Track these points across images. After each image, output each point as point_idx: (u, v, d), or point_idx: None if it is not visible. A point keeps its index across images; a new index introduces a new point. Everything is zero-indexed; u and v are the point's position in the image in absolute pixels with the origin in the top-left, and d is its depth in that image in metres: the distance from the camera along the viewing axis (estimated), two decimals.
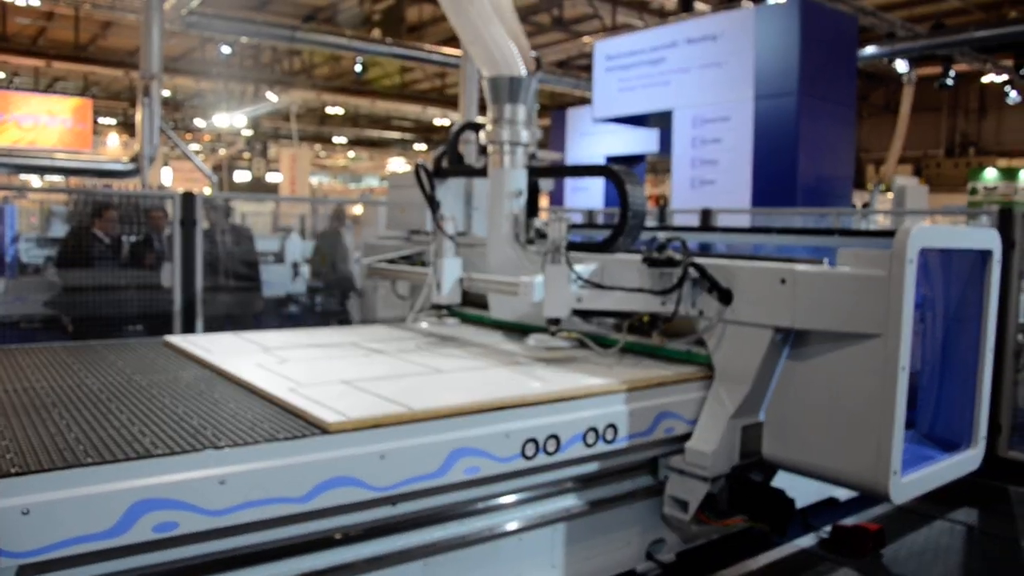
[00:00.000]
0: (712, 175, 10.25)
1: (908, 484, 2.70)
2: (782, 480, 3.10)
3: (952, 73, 16.94)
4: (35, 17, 19.18)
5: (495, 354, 3.35)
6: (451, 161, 4.17)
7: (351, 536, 2.38)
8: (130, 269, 6.89)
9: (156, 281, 6.43)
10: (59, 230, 10.53)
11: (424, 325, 4.07)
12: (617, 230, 3.49)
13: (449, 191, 4.11)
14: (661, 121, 11.76)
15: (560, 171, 4.05)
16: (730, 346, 2.99)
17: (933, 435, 3.18)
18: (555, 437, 2.57)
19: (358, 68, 17.77)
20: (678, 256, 3.09)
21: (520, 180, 3.82)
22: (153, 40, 11.58)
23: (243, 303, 7.27)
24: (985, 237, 3.01)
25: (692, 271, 3.03)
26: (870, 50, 15.19)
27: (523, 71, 3.76)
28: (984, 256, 3.02)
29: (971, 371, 3.08)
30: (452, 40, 16.21)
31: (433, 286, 3.82)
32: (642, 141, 14.10)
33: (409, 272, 4.21)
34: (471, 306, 4.16)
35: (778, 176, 9.52)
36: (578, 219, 8.08)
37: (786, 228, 4.99)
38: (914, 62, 16.76)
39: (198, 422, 2.25)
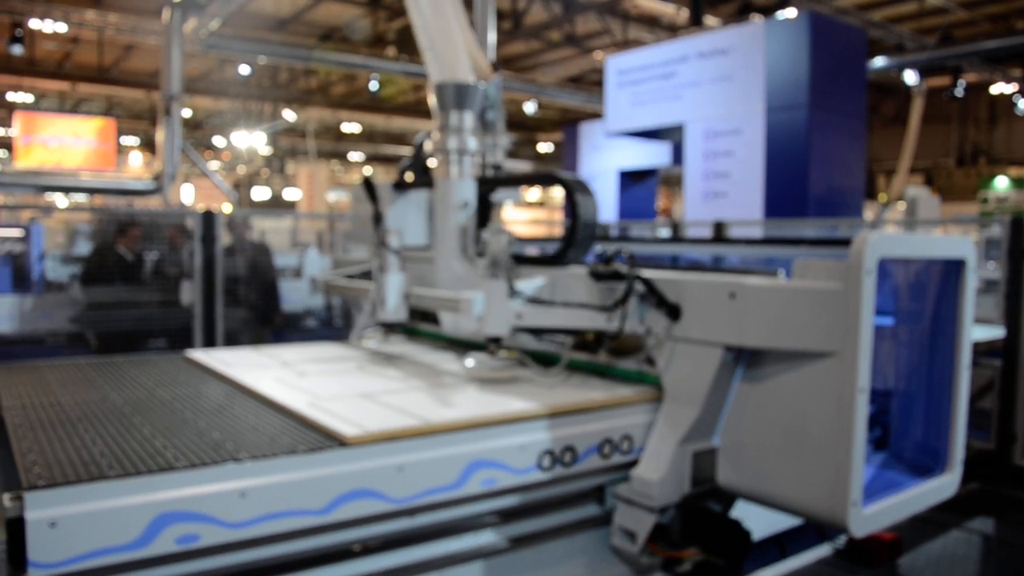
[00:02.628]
0: (724, 187, 10.28)
1: (870, 516, 2.50)
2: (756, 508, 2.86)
3: (962, 84, 16.92)
4: (61, 42, 19.52)
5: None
6: (416, 173, 3.99)
7: (370, 548, 2.40)
8: (152, 286, 6.98)
9: (176, 297, 6.53)
10: (83, 248, 10.68)
11: (369, 344, 3.94)
12: (567, 242, 3.30)
13: (411, 204, 3.87)
14: (673, 134, 11.81)
15: (509, 180, 3.92)
16: (679, 366, 2.79)
17: (906, 459, 2.99)
18: (571, 449, 2.59)
19: (373, 86, 17.93)
20: (624, 269, 2.92)
21: (467, 191, 3.64)
22: (174, 62, 11.77)
23: (262, 318, 7.35)
24: (957, 245, 2.81)
25: (639, 285, 2.87)
26: (880, 62, 15.23)
27: (471, 77, 3.63)
28: (957, 266, 2.83)
29: (946, 390, 2.89)
30: None
31: (377, 303, 3.64)
32: (654, 154, 14.15)
33: (364, 288, 3.97)
34: (431, 322, 3.99)
35: (790, 188, 9.55)
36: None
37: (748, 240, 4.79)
38: (923, 73, 16.74)
39: (219, 435, 2.28)
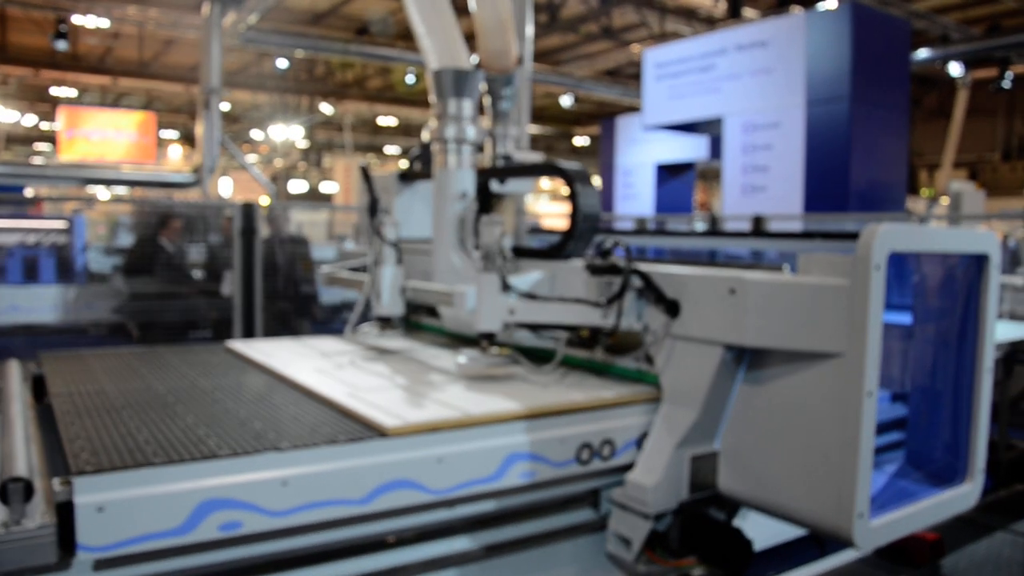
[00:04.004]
0: (763, 181, 10.16)
1: (878, 529, 2.33)
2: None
3: (1009, 75, 16.49)
4: (103, 37, 19.85)
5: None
6: (424, 164, 3.88)
7: (409, 538, 2.41)
8: (193, 277, 7.07)
9: (217, 288, 6.61)
10: (125, 239, 10.86)
11: (362, 338, 3.83)
12: (567, 235, 3.17)
13: (417, 195, 3.82)
14: (711, 128, 11.70)
15: (509, 171, 3.80)
16: (678, 365, 2.65)
17: (924, 466, 2.81)
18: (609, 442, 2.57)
19: (410, 79, 17.98)
20: (622, 263, 2.78)
21: (465, 181, 3.48)
22: (213, 56, 11.91)
23: (301, 309, 7.42)
24: (979, 240, 2.61)
25: (636, 280, 2.73)
26: (923, 53, 14.91)
27: (469, 63, 3.51)
28: (980, 261, 2.63)
29: (966, 393, 2.69)
30: None
31: (373, 297, 3.54)
32: (692, 148, 14.05)
33: (359, 281, 3.87)
34: (434, 316, 3.90)
35: (830, 182, 9.41)
36: (629, 226, 8.05)
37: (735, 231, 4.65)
38: (969, 65, 16.36)
39: (260, 425, 2.30)
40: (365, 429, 2.27)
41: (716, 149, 12.36)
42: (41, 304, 8.15)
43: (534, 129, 27.60)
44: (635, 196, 15.48)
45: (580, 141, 32.38)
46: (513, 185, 3.80)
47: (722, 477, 2.63)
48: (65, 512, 1.79)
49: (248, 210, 6.01)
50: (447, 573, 2.46)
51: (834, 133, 9.31)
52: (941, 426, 2.79)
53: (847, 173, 9.21)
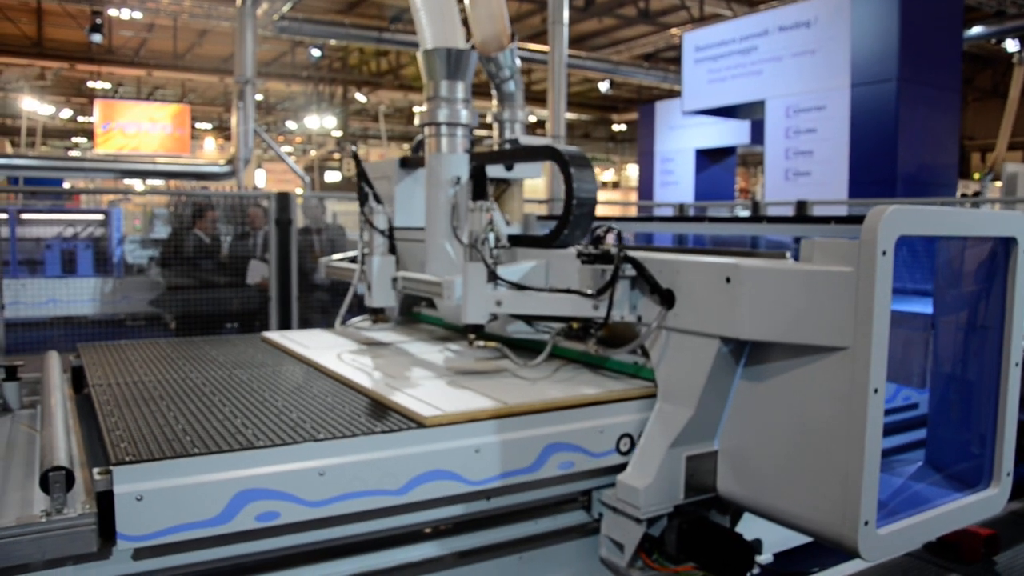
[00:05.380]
0: (807, 166, 9.98)
1: (887, 538, 2.14)
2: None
3: None
4: (137, 29, 20.09)
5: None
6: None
7: (446, 529, 2.39)
8: (229, 268, 7.12)
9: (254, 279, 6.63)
10: (161, 231, 10.99)
11: (353, 331, 3.71)
12: (561, 221, 3.01)
13: (419, 183, 3.68)
14: (753, 112, 11.53)
15: (504, 155, 3.65)
16: (672, 359, 2.50)
17: (945, 468, 2.57)
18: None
19: None
20: (615, 250, 2.60)
21: (458, 166, 3.34)
22: (247, 46, 11.96)
23: (336, 299, 7.43)
24: (1005, 221, 2.35)
25: (628, 268, 2.55)
26: (976, 30, 14.49)
27: (463, 43, 3.35)
28: (1007, 245, 2.39)
29: (991, 390, 2.45)
30: (538, 36, 16.20)
31: (366, 288, 3.43)
32: (733, 133, 13.89)
33: (350, 271, 3.77)
34: (434, 307, 3.76)
35: (877, 166, 9.20)
36: (668, 212, 7.96)
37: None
38: None
39: (297, 415, 2.29)
40: (402, 419, 2.25)
41: (758, 134, 12.16)
42: (79, 296, 8.28)
43: (571, 115, 27.48)
44: (675, 183, 15.35)
45: (618, 127, 32.16)
46: (519, 171, 3.66)
47: (721, 479, 2.45)
48: (105, 501, 1.80)
49: (283, 199, 6.02)
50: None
51: (881, 115, 9.09)
52: (964, 425, 2.56)
53: (895, 157, 8.99)
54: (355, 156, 3.66)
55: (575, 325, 2.84)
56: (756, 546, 2.49)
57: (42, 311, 7.50)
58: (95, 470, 1.87)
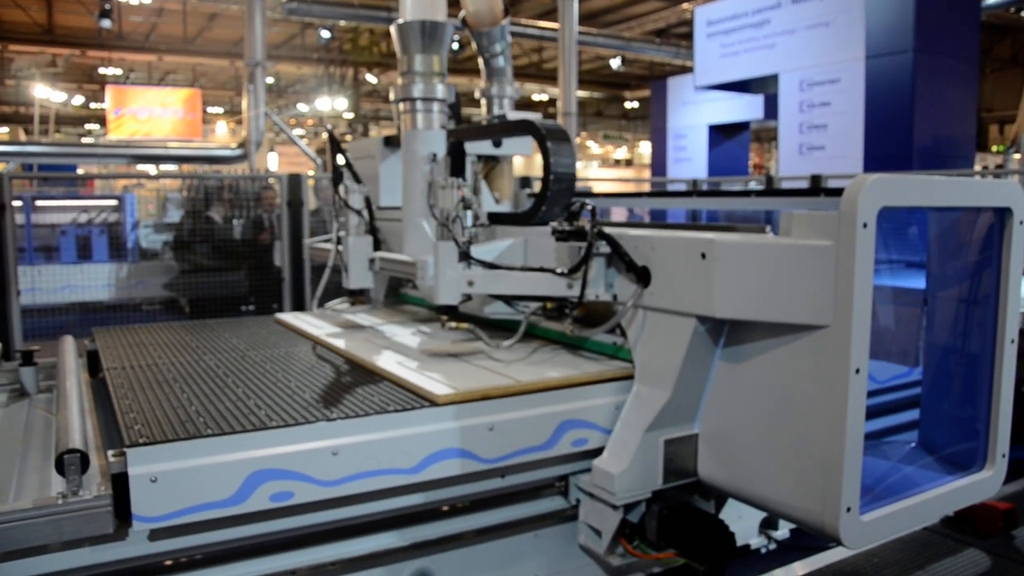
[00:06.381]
0: (821, 140, 9.87)
1: (872, 524, 2.04)
2: None
3: None
4: (147, 14, 20.07)
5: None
6: None
7: (461, 507, 2.39)
8: (242, 251, 7.13)
9: (268, 261, 6.64)
10: (175, 216, 11.02)
11: (331, 313, 3.66)
12: (539, 198, 2.90)
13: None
14: (766, 86, 11.41)
15: (480, 130, 3.54)
16: (649, 339, 2.39)
17: (938, 450, 2.46)
18: None
19: (455, 46, 17.85)
20: (587, 226, 2.49)
21: (435, 142, 3.23)
22: (256, 28, 11.93)
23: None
24: (999, 191, 2.23)
25: (603, 244, 2.45)
26: None
27: (443, 16, 3.22)
28: (1002, 216, 2.26)
29: (985, 368, 2.34)
30: (548, 13, 16.08)
31: (343, 270, 3.36)
32: (746, 108, 13.75)
33: (326, 251, 3.71)
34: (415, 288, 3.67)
35: (892, 139, 9.08)
36: (681, 188, 7.91)
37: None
38: None
39: (310, 395, 2.30)
40: (415, 398, 2.25)
41: (771, 108, 12.04)
42: (95, 282, 8.33)
43: (583, 93, 27.28)
44: (688, 159, 15.24)
45: (630, 104, 31.92)
46: (508, 147, 3.56)
47: (702, 463, 2.36)
48: (120, 483, 1.80)
49: (294, 181, 6.01)
50: (419, 562, 2.34)
51: (896, 87, 8.96)
52: (958, 404, 2.45)
53: (911, 129, 8.87)
54: (330, 135, 3.57)
55: (549, 305, 2.77)
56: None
57: (58, 297, 7.54)
58: (110, 452, 1.87)
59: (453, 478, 2.22)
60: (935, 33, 9.00)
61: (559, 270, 2.54)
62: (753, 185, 10.62)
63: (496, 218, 3.15)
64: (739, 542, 3.03)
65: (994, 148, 21.94)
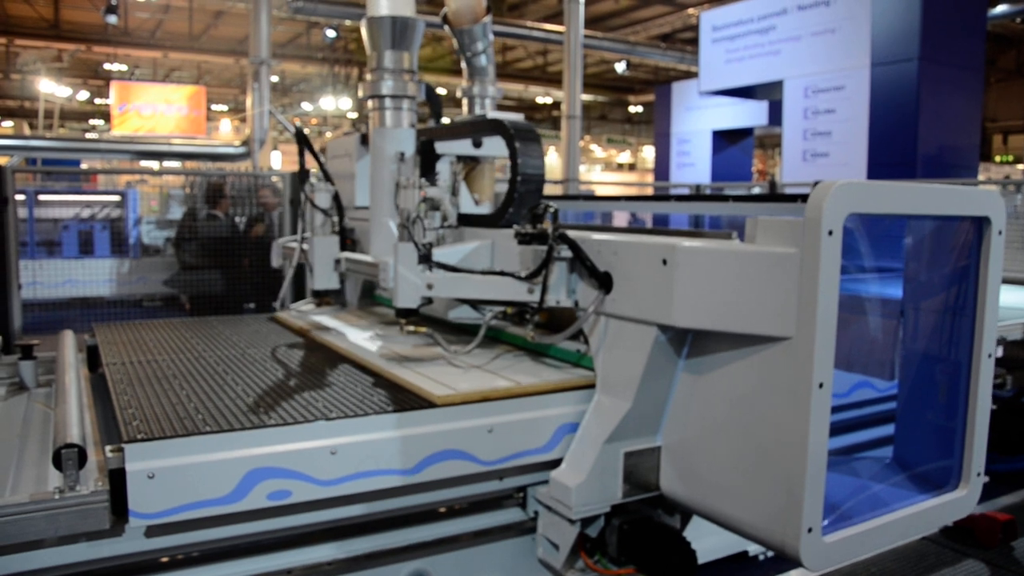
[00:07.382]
0: (825, 147, 9.87)
1: (835, 546, 1.95)
2: None
3: None
4: (153, 11, 20.08)
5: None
6: None
7: (459, 509, 2.38)
8: (244, 249, 7.12)
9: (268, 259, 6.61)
10: (177, 212, 11.01)
11: (295, 314, 3.61)
12: (507, 199, 2.85)
13: None
14: (770, 92, 11.41)
15: (448, 130, 3.40)
16: (610, 348, 2.32)
17: (912, 468, 2.38)
18: None
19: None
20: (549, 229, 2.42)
21: (403, 141, 3.14)
22: (262, 27, 11.92)
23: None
24: (977, 199, 2.15)
25: (564, 249, 2.38)
26: (1001, 8, 14.17)
27: (409, 12, 3.15)
28: (980, 225, 2.20)
29: (962, 383, 2.26)
30: (554, 16, 16.08)
31: (308, 270, 3.30)
32: (750, 114, 13.75)
33: (291, 250, 3.66)
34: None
35: (896, 148, 9.08)
36: (684, 193, 7.91)
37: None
38: None
39: (309, 394, 2.29)
40: (415, 399, 2.24)
41: (775, 115, 12.04)
42: (96, 277, 8.32)
43: (587, 97, 27.28)
44: (691, 164, 15.23)
45: (635, 109, 31.92)
46: (488, 148, 3.49)
47: (664, 477, 2.28)
48: (117, 479, 1.80)
49: (297, 179, 6.01)
50: (417, 563, 2.32)
51: (901, 96, 8.96)
52: (934, 420, 2.36)
53: (915, 138, 8.87)
54: (299, 132, 3.51)
55: (509, 310, 2.72)
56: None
57: (60, 292, 7.53)
58: (108, 448, 1.87)
59: (452, 479, 2.22)
60: (941, 42, 9.00)
61: (520, 274, 2.49)
62: (756, 191, 10.62)
63: (465, 219, 3.11)
64: (736, 549, 3.03)
65: (998, 158, 21.94)
